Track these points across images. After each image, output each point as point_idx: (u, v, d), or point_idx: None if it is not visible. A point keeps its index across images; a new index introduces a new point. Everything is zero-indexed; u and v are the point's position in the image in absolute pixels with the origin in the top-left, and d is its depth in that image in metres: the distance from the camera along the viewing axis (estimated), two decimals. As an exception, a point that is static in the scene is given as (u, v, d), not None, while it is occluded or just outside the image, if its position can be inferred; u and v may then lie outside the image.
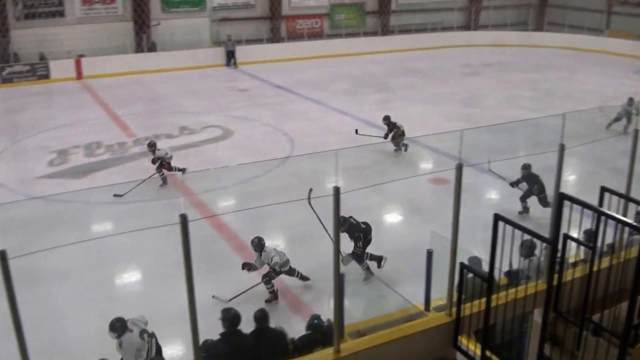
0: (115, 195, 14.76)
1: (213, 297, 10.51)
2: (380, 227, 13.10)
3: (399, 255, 11.70)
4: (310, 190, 10.72)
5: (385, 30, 39.62)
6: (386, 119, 18.24)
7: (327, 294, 9.51)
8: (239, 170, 16.44)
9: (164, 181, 16.05)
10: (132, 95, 26.68)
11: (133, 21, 33.22)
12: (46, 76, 30.27)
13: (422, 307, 7.95)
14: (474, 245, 8.45)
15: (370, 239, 11.21)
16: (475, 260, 7.99)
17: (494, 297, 6.30)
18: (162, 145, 18.69)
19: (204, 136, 20.19)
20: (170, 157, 16.19)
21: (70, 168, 17.60)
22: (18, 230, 12.67)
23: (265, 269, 10.66)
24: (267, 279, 10.56)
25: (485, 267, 6.57)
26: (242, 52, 33.18)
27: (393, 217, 14.61)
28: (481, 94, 26.73)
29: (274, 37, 36.54)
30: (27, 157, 18.65)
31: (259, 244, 10.58)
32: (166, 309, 9.84)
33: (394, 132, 18.01)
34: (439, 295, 7.46)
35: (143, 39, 32.66)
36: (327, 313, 7.57)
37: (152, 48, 33.31)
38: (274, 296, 10.65)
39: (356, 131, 17.82)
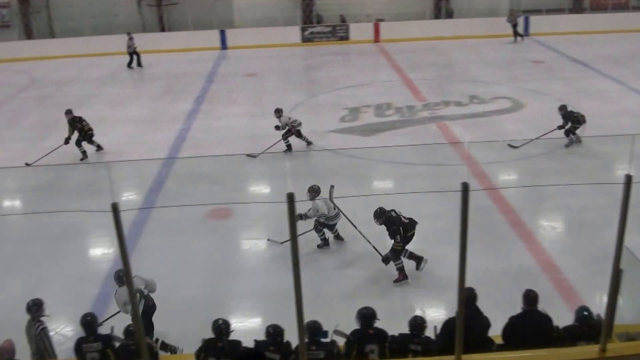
0: (248, 155, 15.28)
1: (268, 240, 11.32)
2: None
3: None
4: (332, 187, 11.10)
5: None
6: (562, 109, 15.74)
7: (599, 289, 8.62)
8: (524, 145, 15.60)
9: (289, 148, 15.94)
10: (425, 61, 26.73)
11: (434, -13, 33.18)
12: (345, 37, 31.55)
13: None
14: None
15: (411, 236, 10.05)
16: None
17: None
18: (450, 112, 18.51)
19: (493, 107, 19.54)
20: (299, 124, 15.92)
21: (359, 126, 18.11)
22: (307, 177, 13.28)
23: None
24: (318, 228, 11.06)
25: None
26: (540, 23, 31.51)
27: None
28: None
29: (576, 8, 34.21)
30: (320, 112, 19.57)
31: (312, 191, 10.85)
32: (439, 270, 9.86)
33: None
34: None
35: (442, 6, 32.55)
36: (596, 308, 6.84)
37: (449, 15, 33.06)
38: (325, 243, 11.19)
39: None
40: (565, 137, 15.43)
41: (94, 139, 16.36)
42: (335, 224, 11.14)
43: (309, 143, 16.27)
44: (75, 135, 16.06)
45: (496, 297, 8.44)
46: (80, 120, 16.16)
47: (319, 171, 14.22)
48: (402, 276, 9.98)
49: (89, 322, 7.02)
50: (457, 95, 20.80)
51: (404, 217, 10.06)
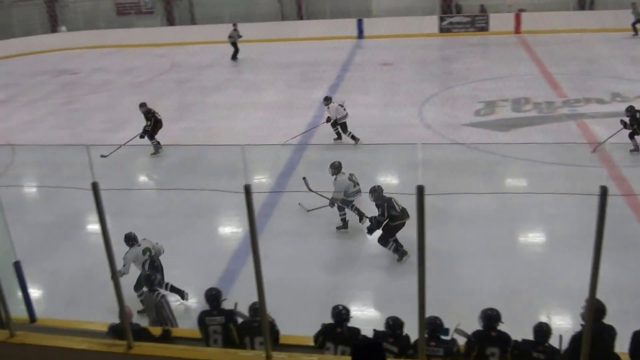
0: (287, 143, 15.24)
1: (299, 204, 11.86)
2: None
3: None
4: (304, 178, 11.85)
5: None
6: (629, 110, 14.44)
7: None
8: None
9: (339, 136, 16.09)
10: (567, 54, 25.57)
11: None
12: (484, 28, 30.76)
13: None
14: None
15: (400, 225, 10.33)
16: None
17: None
18: (591, 110, 17.64)
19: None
20: (343, 117, 15.86)
21: (495, 120, 17.60)
22: (436, 169, 13.08)
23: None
24: (340, 207, 11.52)
25: None
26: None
27: None
28: None
29: None
30: (455, 104, 19.19)
31: (334, 167, 11.52)
32: (562, 279, 9.40)
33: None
34: None
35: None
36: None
37: (592, 6, 31.49)
38: (344, 225, 11.62)
39: None
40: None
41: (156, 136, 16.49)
42: (354, 201, 11.54)
43: (355, 139, 15.91)
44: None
45: (628, 310, 7.98)
46: (154, 112, 16.47)
47: (451, 165, 13.95)
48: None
49: (214, 296, 7.22)
50: (599, 92, 19.77)
51: (398, 205, 10.33)
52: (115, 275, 5.91)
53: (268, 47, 29.19)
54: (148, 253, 9.59)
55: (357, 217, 11.52)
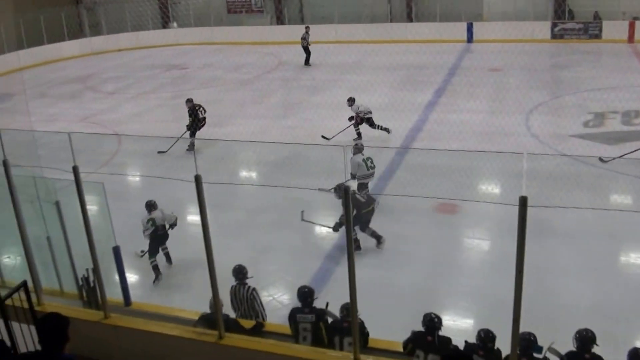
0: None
1: (319, 189, 11.69)
2: None
3: None
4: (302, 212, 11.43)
5: None
6: None
7: None
8: None
9: (359, 136, 16.54)
10: (685, 67, 24.27)
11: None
12: (597, 36, 29.59)
13: None
14: None
15: (368, 213, 10.90)
16: None
17: None
18: None
19: None
20: (367, 113, 16.51)
21: (603, 132, 16.89)
22: (540, 181, 12.70)
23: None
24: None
25: None
26: None
27: None
28: None
29: None
30: (563, 114, 18.55)
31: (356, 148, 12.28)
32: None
33: None
34: None
35: None
36: None
37: None
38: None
39: None
40: None
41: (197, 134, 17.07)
42: (367, 183, 12.31)
43: (386, 130, 16.63)
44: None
45: None
46: (197, 110, 17.04)
47: (555, 177, 13.48)
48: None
49: (306, 294, 7.26)
50: None
51: (360, 196, 10.94)
52: (211, 266, 6.04)
53: (375, 49, 29.11)
54: (151, 222, 10.57)
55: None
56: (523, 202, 4.32)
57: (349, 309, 6.05)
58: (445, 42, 29.96)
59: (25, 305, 5.88)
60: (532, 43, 29.28)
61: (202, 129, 17.13)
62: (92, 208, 7.10)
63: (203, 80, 26.16)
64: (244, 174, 15.65)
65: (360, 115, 16.56)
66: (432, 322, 6.59)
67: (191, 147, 16.94)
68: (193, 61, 30.42)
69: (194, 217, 12.65)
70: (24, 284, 5.93)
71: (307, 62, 27.91)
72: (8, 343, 5.43)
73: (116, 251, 7.23)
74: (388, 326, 7.57)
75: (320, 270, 10.47)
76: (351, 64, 26.93)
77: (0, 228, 8.11)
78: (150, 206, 10.84)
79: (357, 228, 10.94)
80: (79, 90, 26.58)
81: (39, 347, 4.52)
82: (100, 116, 21.67)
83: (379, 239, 11.07)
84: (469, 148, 15.34)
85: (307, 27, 28.19)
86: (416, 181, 13.54)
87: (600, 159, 14.23)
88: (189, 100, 17.31)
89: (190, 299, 9.06)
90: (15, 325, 5.80)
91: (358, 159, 12.31)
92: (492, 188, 13.80)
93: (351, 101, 16.86)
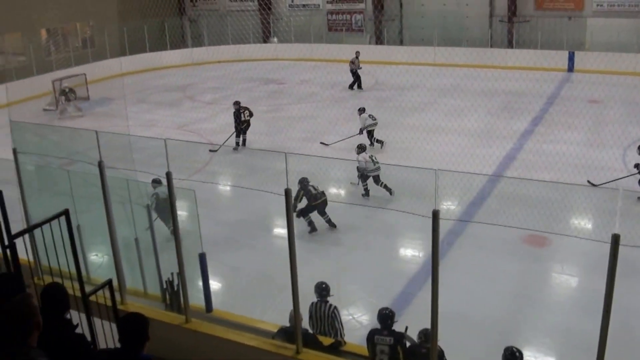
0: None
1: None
2: None
3: None
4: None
5: None
6: None
7: None
8: None
9: (372, 142, 17.99)
10: None
11: None
12: None
13: None
14: None
15: (321, 203, 12.96)
16: None
17: None
18: None
19: None
20: (371, 125, 18.14)
21: None
22: (634, 219, 12.11)
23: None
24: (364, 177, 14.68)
25: None
26: None
27: None
28: None
29: None
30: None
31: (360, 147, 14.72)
32: None
33: None
34: None
35: None
36: None
37: None
38: (366, 193, 14.69)
39: None
40: None
41: (243, 134, 18.75)
42: (370, 176, 14.58)
43: (380, 143, 17.83)
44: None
45: None
46: (240, 113, 18.52)
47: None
48: (312, 228, 13.00)
49: (386, 316, 7.14)
50: None
51: (314, 188, 12.98)
52: (294, 280, 6.00)
53: (474, 73, 28.71)
54: (154, 197, 10.86)
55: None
56: (615, 240, 4.12)
57: (428, 334, 5.91)
58: (546, 70, 29.21)
59: (109, 303, 5.99)
60: (634, 76, 28.18)
61: (246, 131, 18.86)
62: (181, 214, 7.20)
63: (299, 96, 26.43)
64: (332, 190, 15.64)
65: (368, 128, 18.34)
66: (514, 356, 6.36)
67: (236, 147, 18.67)
68: (290, 76, 30.81)
69: (280, 230, 12.80)
70: (109, 282, 6.06)
71: (352, 85, 27.90)
72: (89, 338, 5.52)
73: (202, 258, 7.31)
74: (467, 357, 7.35)
75: (402, 293, 10.31)
76: (448, 87, 26.64)
77: (91, 226, 8.33)
78: (156, 182, 11.50)
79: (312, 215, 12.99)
80: (177, 98, 27.34)
81: (117, 345, 4.56)
82: (197, 125, 22.17)
83: (330, 223, 13.06)
84: (563, 180, 14.83)
85: (357, 52, 28.26)
86: (506, 210, 13.18)
87: (589, 182, 14.63)
88: (236, 103, 18.73)
89: (270, 311, 9.07)
90: (97, 321, 5.91)
91: (365, 156, 14.64)
92: (584, 223, 13.34)
93: (361, 111, 18.58)
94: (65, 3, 31.75)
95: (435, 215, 5.35)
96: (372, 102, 24.23)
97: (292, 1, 38.43)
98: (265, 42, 38.02)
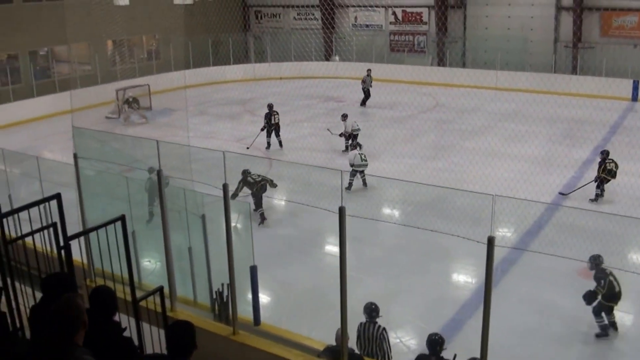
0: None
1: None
2: None
3: None
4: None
5: None
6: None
7: None
8: None
9: (346, 149, 19.49)
10: None
11: None
12: None
13: None
14: None
15: (262, 188, 14.26)
16: None
17: None
18: None
19: None
20: (356, 130, 19.91)
21: None
22: None
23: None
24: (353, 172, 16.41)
25: None
26: None
27: None
28: None
29: None
30: None
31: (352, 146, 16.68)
32: None
33: None
34: None
35: None
36: None
37: None
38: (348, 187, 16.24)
39: None
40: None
41: (277, 136, 20.70)
42: (357, 172, 16.31)
43: (358, 145, 18.09)
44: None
45: None
46: (273, 114, 20.26)
47: None
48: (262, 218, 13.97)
49: (435, 342, 7.03)
50: None
51: (251, 178, 14.26)
52: (343, 299, 5.95)
53: (536, 98, 28.23)
54: (149, 180, 11.34)
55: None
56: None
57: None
58: (609, 98, 28.56)
59: (159, 309, 6.03)
60: None
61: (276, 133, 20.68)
62: (235, 225, 7.21)
63: (357, 114, 26.39)
64: (387, 211, 15.53)
65: (354, 132, 19.97)
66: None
67: (268, 146, 20.83)
68: (350, 95, 30.81)
69: (332, 247, 12.76)
70: (160, 289, 6.11)
71: (363, 103, 28.57)
72: (136, 342, 5.56)
73: (253, 270, 7.32)
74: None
75: (452, 320, 10.14)
76: (510, 112, 26.26)
77: (145, 233, 8.43)
78: (152, 170, 11.58)
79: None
80: (237, 112, 27.65)
81: (164, 352, 4.57)
82: (255, 139, 22.36)
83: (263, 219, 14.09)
84: (622, 212, 14.38)
85: (368, 70, 28.62)
86: (563, 241, 12.87)
87: (560, 193, 15.84)
88: (269, 106, 20.54)
89: (318, 329, 9.01)
90: (145, 326, 5.96)
91: (355, 153, 16.63)
92: (641, 258, 12.93)
93: (344, 117, 20.34)
94: (132, 16, 32.51)
95: (491, 241, 5.24)
96: (431, 124, 24.09)
97: (356, 21, 38.57)
98: (327, 60, 38.21)
